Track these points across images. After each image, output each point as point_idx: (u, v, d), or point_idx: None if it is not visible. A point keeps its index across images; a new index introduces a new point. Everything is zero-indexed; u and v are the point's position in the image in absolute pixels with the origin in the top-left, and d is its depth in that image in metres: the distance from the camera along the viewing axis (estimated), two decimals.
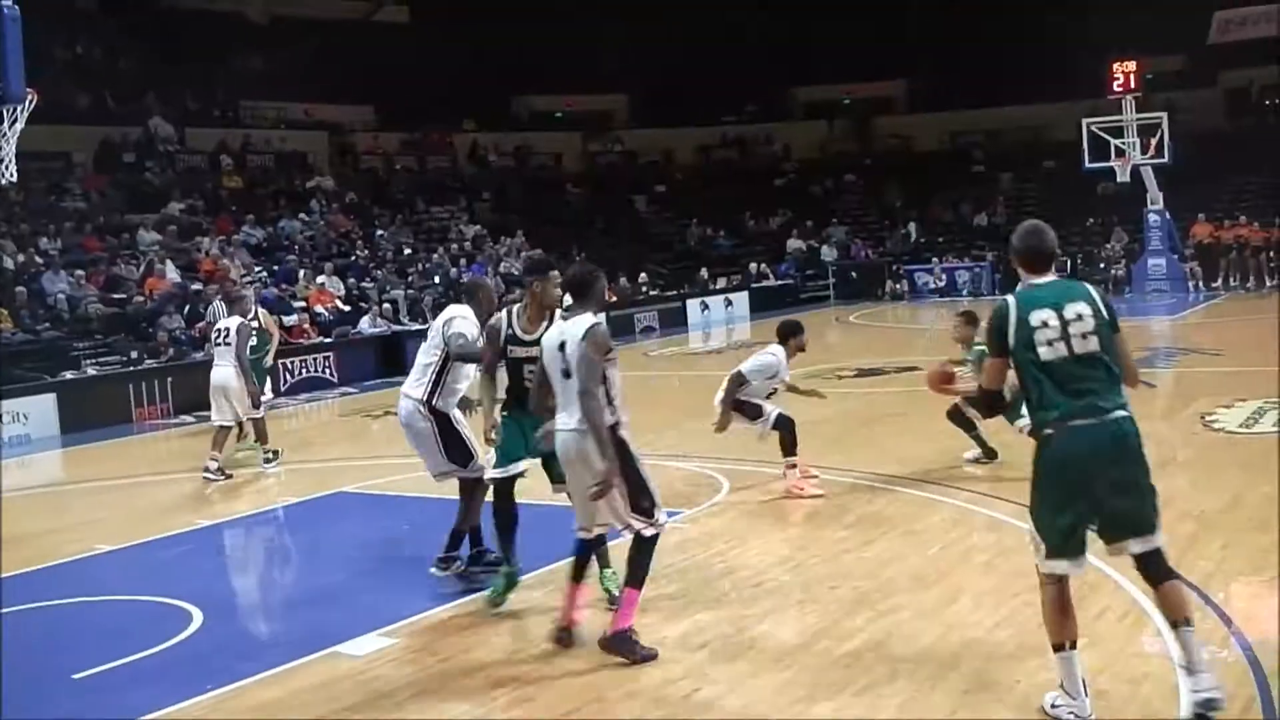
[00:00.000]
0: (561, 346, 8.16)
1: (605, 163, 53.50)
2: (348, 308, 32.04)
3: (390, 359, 28.10)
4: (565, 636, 8.35)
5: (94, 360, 26.47)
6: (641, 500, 8.09)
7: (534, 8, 50.56)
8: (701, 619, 8.60)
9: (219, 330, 17.02)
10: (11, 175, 11.12)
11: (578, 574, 8.51)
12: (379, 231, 39.26)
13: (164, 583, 11.14)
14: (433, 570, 9.80)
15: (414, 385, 10.00)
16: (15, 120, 10.84)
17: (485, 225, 42.67)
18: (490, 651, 8.59)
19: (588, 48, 50.71)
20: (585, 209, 48.90)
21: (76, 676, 8.71)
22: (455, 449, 10.01)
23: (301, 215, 38.26)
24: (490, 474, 9.55)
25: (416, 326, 31.33)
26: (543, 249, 40.04)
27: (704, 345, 32.35)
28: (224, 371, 16.56)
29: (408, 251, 38.36)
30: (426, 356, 10.04)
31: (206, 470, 16.25)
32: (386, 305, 32.17)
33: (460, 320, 10.04)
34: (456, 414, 10.10)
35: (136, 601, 10.76)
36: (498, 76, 50.78)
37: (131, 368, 25.74)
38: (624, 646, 7.98)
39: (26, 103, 10.67)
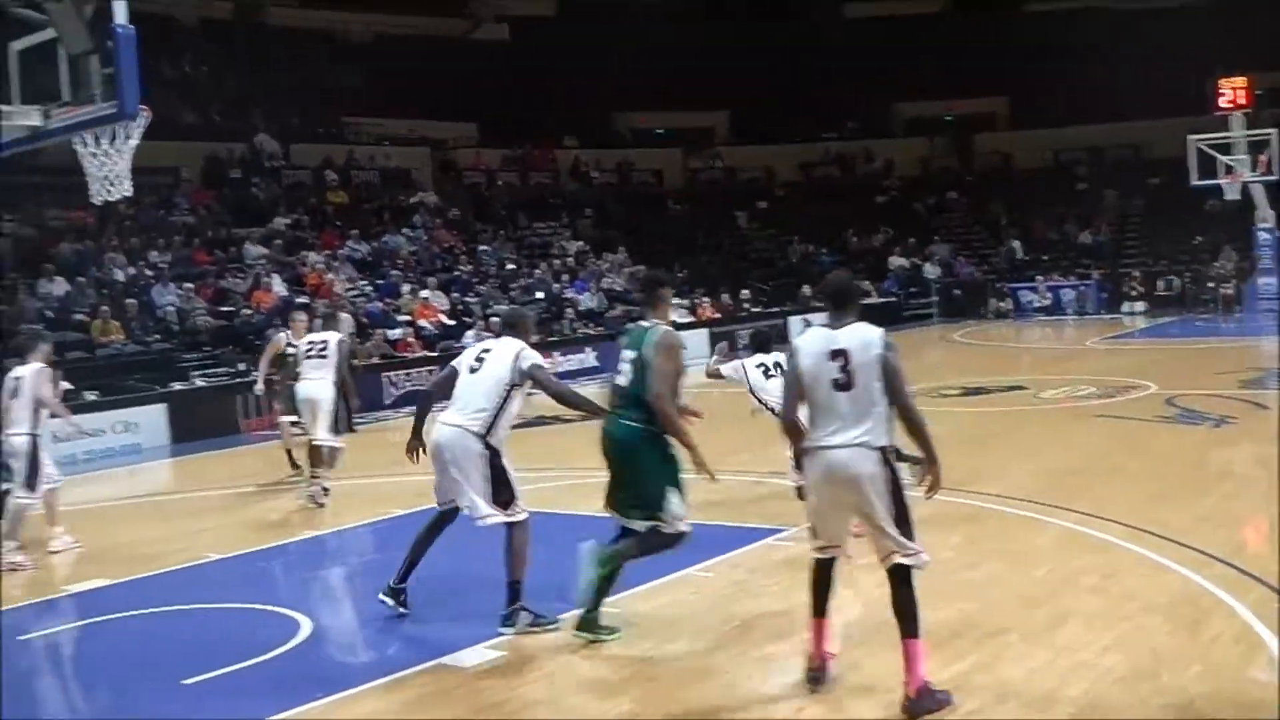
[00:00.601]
0: (836, 355, 7.51)
1: (706, 179, 53.38)
2: (452, 322, 32.26)
3: None
4: (819, 677, 7.83)
5: (203, 371, 26.85)
6: (905, 528, 7.51)
7: (635, 25, 50.73)
8: (808, 637, 8.55)
9: (312, 342, 16.49)
10: (126, 190, 11.28)
11: (821, 608, 7.95)
12: (482, 247, 39.50)
13: (272, 591, 11.30)
14: (501, 630, 9.43)
15: (469, 417, 9.64)
16: (129, 137, 10.98)
17: (587, 241, 42.82)
18: (597, 666, 8.60)
19: (689, 65, 50.70)
20: (686, 225, 48.88)
21: (186, 682, 8.84)
22: (503, 489, 9.67)
23: (405, 230, 38.55)
24: (682, 527, 9.11)
25: None
26: (645, 265, 40.18)
27: None
28: (314, 385, 16.10)
29: (510, 267, 38.54)
30: (490, 388, 9.71)
31: (315, 493, 16.06)
32: (494, 319, 32.33)
33: (533, 352, 9.93)
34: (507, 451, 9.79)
35: (245, 609, 10.89)
36: (599, 93, 51.01)
37: (239, 379, 26.04)
38: (931, 702, 7.33)
39: (140, 120, 10.79)
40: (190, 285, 30.37)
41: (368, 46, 50.03)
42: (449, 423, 9.71)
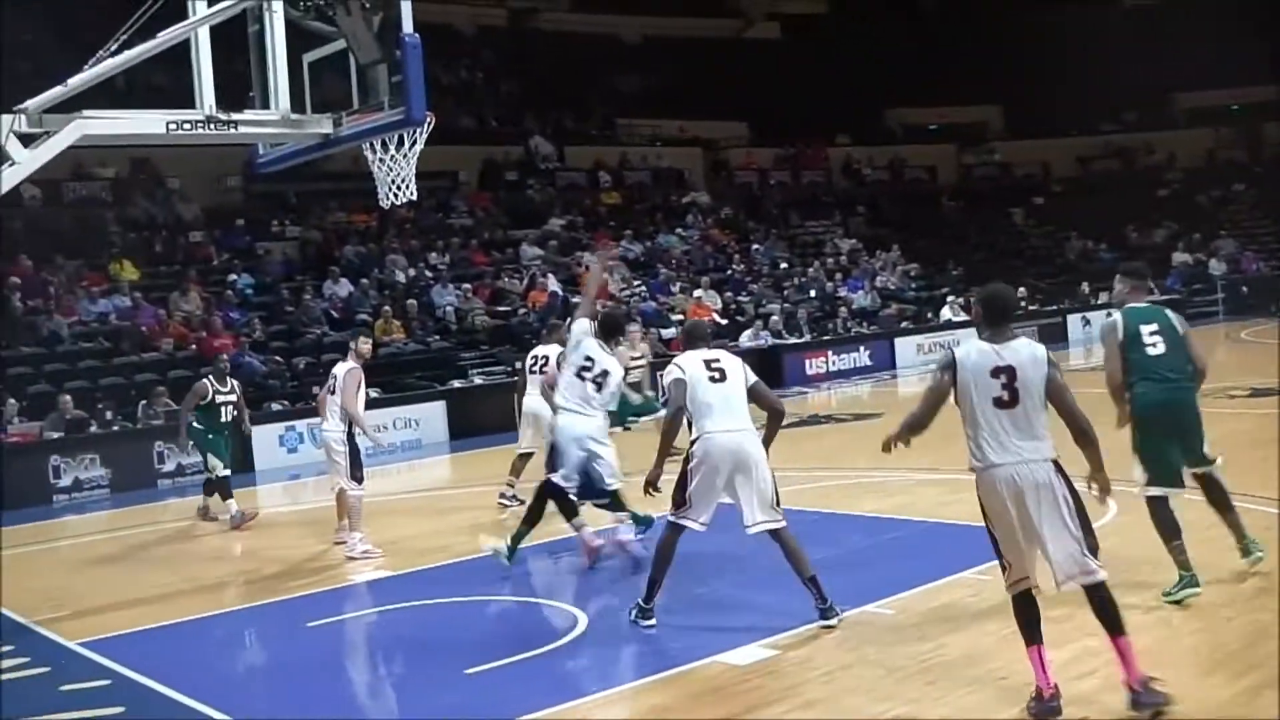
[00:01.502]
0: (998, 372, 7.49)
1: (981, 175, 52.69)
2: (724, 321, 32.40)
3: (768, 373, 28.28)
4: (1054, 708, 7.40)
5: (480, 370, 27.45)
6: (1090, 541, 7.43)
7: (906, 20, 50.22)
8: (1090, 644, 8.34)
9: (534, 357, 16.44)
10: (411, 194, 11.63)
11: (1035, 634, 7.62)
12: (754, 246, 39.61)
13: (548, 586, 11.50)
14: (824, 625, 9.47)
15: (747, 422, 9.76)
16: (415, 142, 11.31)
17: (860, 239, 42.58)
18: (872, 667, 8.53)
19: (961, 59, 50.00)
20: (960, 222, 48.29)
21: (469, 671, 9.06)
22: (778, 492, 9.85)
23: (678, 230, 38.91)
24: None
25: (793, 340, 31.56)
26: (918, 263, 39.85)
27: (1085, 362, 30.99)
28: (534, 400, 15.90)
29: (783, 265, 38.57)
30: (743, 397, 9.80)
31: (502, 496, 16.23)
32: (774, 320, 32.43)
33: None
34: None
35: (523, 603, 11.14)
36: (870, 90, 50.63)
37: (516, 377, 26.50)
38: (1154, 696, 7.21)
39: (426, 125, 11.12)
40: (468, 285, 31.17)
41: (639, 48, 50.61)
42: (735, 428, 9.66)
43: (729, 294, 34.55)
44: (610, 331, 12.47)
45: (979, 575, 10.49)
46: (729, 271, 36.94)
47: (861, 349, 33.22)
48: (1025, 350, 7.55)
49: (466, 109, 41.63)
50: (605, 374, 11.96)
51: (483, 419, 25.01)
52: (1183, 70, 50.39)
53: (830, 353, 32.26)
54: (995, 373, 7.47)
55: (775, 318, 32.67)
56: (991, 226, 48.32)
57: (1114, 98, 52.51)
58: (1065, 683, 7.72)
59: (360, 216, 32.79)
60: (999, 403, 7.46)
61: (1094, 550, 7.43)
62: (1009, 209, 49.47)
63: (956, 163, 52.99)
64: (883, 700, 7.89)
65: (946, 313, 36.26)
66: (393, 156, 11.29)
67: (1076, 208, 49.21)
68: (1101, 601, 7.44)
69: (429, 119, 11.01)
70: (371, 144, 11.39)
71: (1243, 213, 49.54)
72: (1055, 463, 7.43)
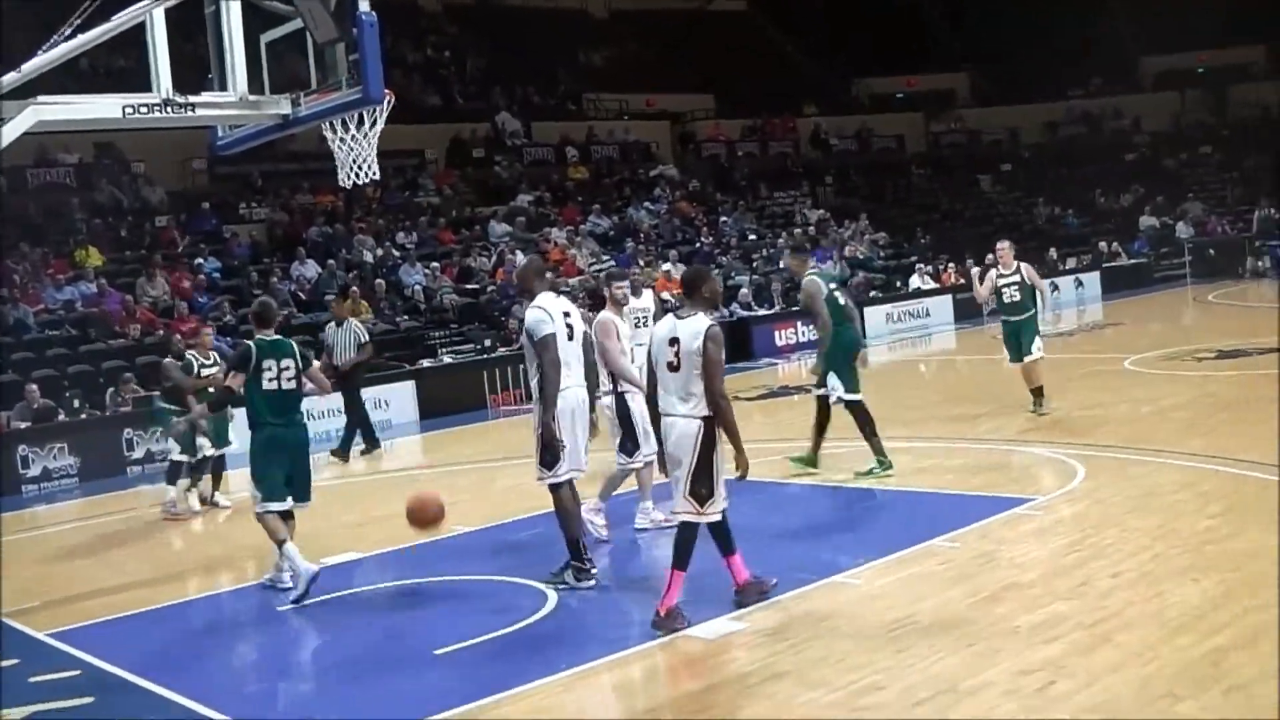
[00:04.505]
0: (673, 341, 9.02)
1: (948, 143, 52.69)
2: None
3: (736, 345, 28.26)
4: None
5: (449, 349, 27.39)
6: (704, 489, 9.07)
7: None
8: (1059, 609, 8.37)
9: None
10: (374, 174, 11.57)
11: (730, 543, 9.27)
12: (722, 218, 39.60)
13: (519, 564, 11.45)
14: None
15: None
16: (375, 121, 11.26)
17: (828, 209, 42.57)
18: (840, 638, 8.53)
19: (927, 27, 50.02)
20: (929, 190, 48.34)
21: (438, 651, 9.07)
22: None
23: (646, 204, 38.87)
24: None
25: (762, 312, 31.56)
26: (886, 233, 39.88)
27: (1054, 328, 30.74)
28: None
29: (751, 237, 38.58)
30: None
31: None
32: (743, 292, 32.42)
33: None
34: None
35: (492, 581, 11.07)
36: (837, 60, 50.63)
37: (485, 355, 26.54)
38: (678, 621, 8.92)
39: (385, 104, 11.07)
40: (436, 264, 31.05)
41: (605, 22, 50.50)
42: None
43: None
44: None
45: (948, 544, 10.53)
46: (698, 244, 36.89)
47: None
48: (692, 325, 8.98)
49: (433, 86, 41.51)
50: None
51: (454, 398, 24.98)
52: (1148, 34, 50.49)
53: (800, 324, 32.14)
54: (671, 342, 9.04)
55: (745, 290, 32.67)
56: (960, 194, 48.33)
57: (1080, 63, 52.53)
58: (1032, 646, 7.80)
59: (326, 197, 32.59)
60: (670, 366, 9.05)
61: (703, 498, 9.06)
62: (977, 176, 49.51)
63: (924, 131, 52.98)
64: (852, 670, 7.88)
65: (915, 281, 36.27)
66: (353, 136, 11.23)
67: (1044, 174, 49.32)
68: (682, 538, 9.21)
69: (388, 97, 10.96)
70: (331, 124, 11.33)
71: (1210, 176, 49.63)
72: (705, 420, 8.92)
